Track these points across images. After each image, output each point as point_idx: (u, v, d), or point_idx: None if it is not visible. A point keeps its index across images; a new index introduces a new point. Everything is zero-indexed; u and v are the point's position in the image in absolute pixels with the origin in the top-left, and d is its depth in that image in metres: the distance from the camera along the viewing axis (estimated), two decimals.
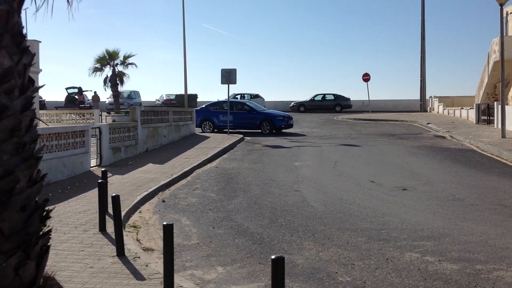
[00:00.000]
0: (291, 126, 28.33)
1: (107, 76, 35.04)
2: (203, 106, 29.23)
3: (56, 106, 39.16)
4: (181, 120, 24.79)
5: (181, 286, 6.19)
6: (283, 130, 28.26)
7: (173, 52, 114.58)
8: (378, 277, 6.70)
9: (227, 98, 27.52)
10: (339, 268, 7.09)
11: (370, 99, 44.28)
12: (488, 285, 6.37)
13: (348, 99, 50.19)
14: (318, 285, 6.49)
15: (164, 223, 6.02)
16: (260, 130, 27.73)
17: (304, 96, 59.51)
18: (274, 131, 27.47)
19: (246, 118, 27.68)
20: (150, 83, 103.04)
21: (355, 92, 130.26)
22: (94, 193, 11.09)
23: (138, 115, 19.49)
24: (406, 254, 7.61)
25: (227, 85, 26.57)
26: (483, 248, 7.82)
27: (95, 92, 39.90)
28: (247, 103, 29.13)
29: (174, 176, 14.05)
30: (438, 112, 42.86)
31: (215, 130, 27.92)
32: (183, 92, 34.06)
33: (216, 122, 27.91)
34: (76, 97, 39.03)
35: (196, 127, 26.96)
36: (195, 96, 40.04)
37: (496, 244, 7.98)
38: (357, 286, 6.43)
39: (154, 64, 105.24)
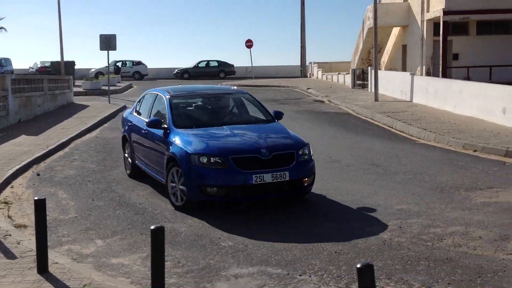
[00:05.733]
0: None
1: None
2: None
3: None
4: (57, 88, 23.52)
5: (57, 263, 5.91)
6: None
7: (47, 17, 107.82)
8: (259, 240, 6.83)
9: (107, 65, 26.41)
10: (223, 233, 7.14)
11: (253, 65, 44.74)
12: (361, 241, 6.73)
13: (232, 66, 50.44)
14: (200, 251, 6.50)
15: (36, 198, 5.69)
16: None
17: (188, 62, 58.97)
18: None
19: None
20: (23, 50, 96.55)
21: (239, 59, 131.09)
22: None
23: (8, 83, 18.16)
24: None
25: (106, 51, 25.58)
26: (356, 207, 8.24)
27: None
28: None
29: (50, 147, 13.33)
30: (317, 78, 44.35)
31: None
32: (59, 59, 32.27)
33: None
34: None
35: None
36: (73, 63, 37.99)
37: (368, 202, 8.44)
38: (239, 249, 6.51)
39: (26, 29, 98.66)
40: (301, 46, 47.43)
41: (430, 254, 6.22)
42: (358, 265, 3.75)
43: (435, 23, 28.92)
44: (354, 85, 32.22)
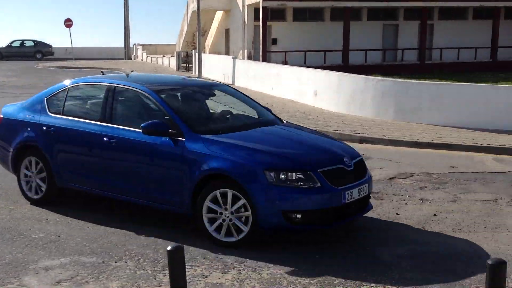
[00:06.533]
0: None
1: None
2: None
3: None
4: None
5: None
6: None
7: None
8: (73, 229, 6.56)
9: None
10: (33, 224, 6.72)
11: (73, 46, 42.52)
12: (173, 225, 6.78)
13: (50, 46, 47.63)
14: (7, 245, 6.04)
15: None
16: None
17: (0, 42, 54.03)
18: None
19: None
20: None
21: (58, 39, 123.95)
22: None
23: None
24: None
25: None
26: None
27: None
28: None
29: None
30: (142, 60, 43.70)
31: None
32: None
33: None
34: None
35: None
36: None
37: None
38: (51, 240, 6.19)
39: None
40: (125, 27, 46.28)
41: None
42: (169, 248, 3.78)
43: (255, 9, 30.06)
44: (179, 67, 32.31)
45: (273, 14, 30.59)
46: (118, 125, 6.73)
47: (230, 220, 5.84)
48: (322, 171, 5.81)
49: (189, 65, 30.54)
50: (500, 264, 3.29)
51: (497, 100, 13.21)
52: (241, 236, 5.83)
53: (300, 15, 31.72)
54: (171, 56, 36.08)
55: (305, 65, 25.62)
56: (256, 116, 7.39)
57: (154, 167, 6.36)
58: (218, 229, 5.92)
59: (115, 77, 7.60)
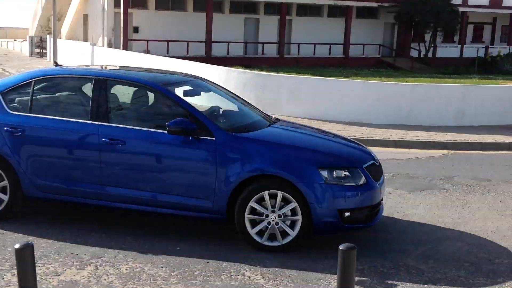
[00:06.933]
0: None
1: None
2: None
3: None
4: None
5: None
6: None
7: None
8: None
9: None
10: None
11: None
12: (29, 221, 6.38)
13: None
14: None
15: None
16: None
17: None
18: None
19: None
20: None
21: None
22: None
23: None
24: None
25: None
26: None
27: None
28: None
29: None
30: None
31: None
32: None
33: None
34: None
35: None
36: None
37: None
38: None
39: None
40: None
41: (100, 224, 6.26)
42: (16, 246, 3.58)
43: None
44: (32, 53, 30.44)
45: (135, 2, 29.85)
46: (119, 124, 5.87)
47: (277, 223, 5.51)
48: (365, 167, 5.78)
49: (44, 51, 28.85)
50: (350, 249, 3.48)
51: (348, 93, 14.06)
52: (283, 241, 5.55)
53: (163, 3, 31.30)
54: (23, 40, 33.82)
55: (168, 55, 25.38)
56: (238, 110, 6.82)
57: (179, 171, 5.74)
58: (261, 233, 5.57)
59: (92, 70, 6.72)
